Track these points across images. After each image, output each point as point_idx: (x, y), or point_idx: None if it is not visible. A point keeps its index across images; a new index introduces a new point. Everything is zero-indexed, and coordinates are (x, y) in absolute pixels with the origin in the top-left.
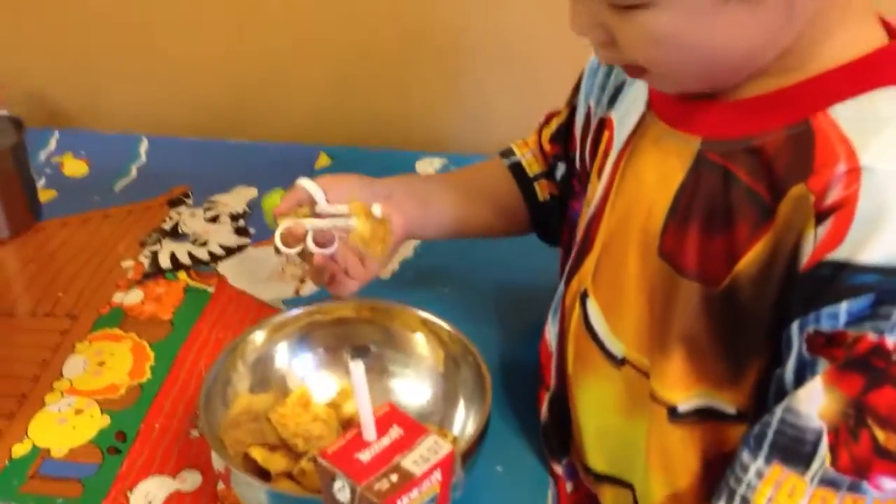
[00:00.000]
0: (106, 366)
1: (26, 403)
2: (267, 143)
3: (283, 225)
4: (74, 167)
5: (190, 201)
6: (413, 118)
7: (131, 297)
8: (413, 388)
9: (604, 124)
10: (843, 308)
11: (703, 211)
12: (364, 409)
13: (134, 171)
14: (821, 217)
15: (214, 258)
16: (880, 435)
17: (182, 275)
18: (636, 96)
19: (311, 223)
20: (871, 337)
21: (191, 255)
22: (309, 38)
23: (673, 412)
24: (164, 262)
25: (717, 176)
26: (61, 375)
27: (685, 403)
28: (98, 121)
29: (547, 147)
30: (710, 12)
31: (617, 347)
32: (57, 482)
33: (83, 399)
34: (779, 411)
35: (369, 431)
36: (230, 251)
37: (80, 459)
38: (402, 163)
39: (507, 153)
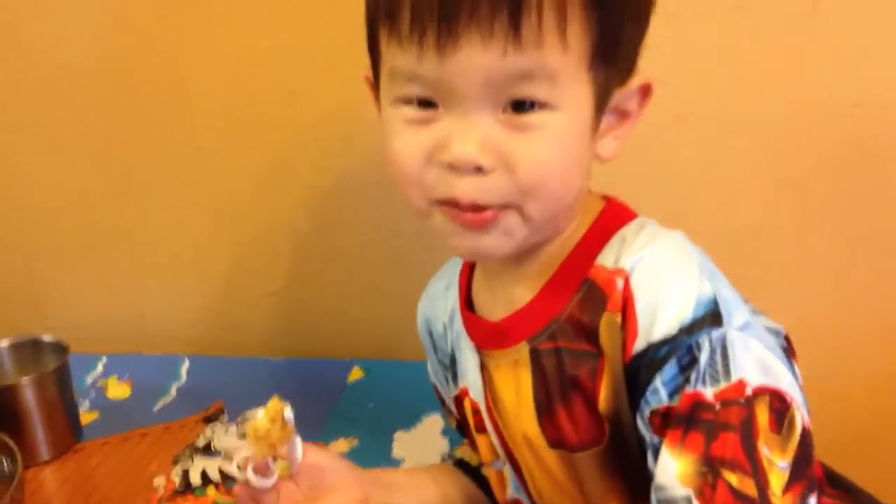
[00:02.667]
0: None
1: None
2: (300, 358)
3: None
4: (118, 390)
5: (225, 418)
6: None
7: None
8: None
9: (461, 396)
10: (659, 382)
11: (557, 391)
12: None
13: (174, 391)
14: (622, 325)
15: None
16: (733, 479)
17: (211, 490)
18: (466, 356)
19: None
20: (689, 394)
21: (220, 472)
22: (342, 246)
23: None
24: (195, 478)
25: (552, 357)
26: None
27: None
28: (142, 343)
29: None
30: (584, 139)
31: None
32: None
33: None
34: (652, 496)
35: None
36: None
37: None
38: None
39: (451, 455)
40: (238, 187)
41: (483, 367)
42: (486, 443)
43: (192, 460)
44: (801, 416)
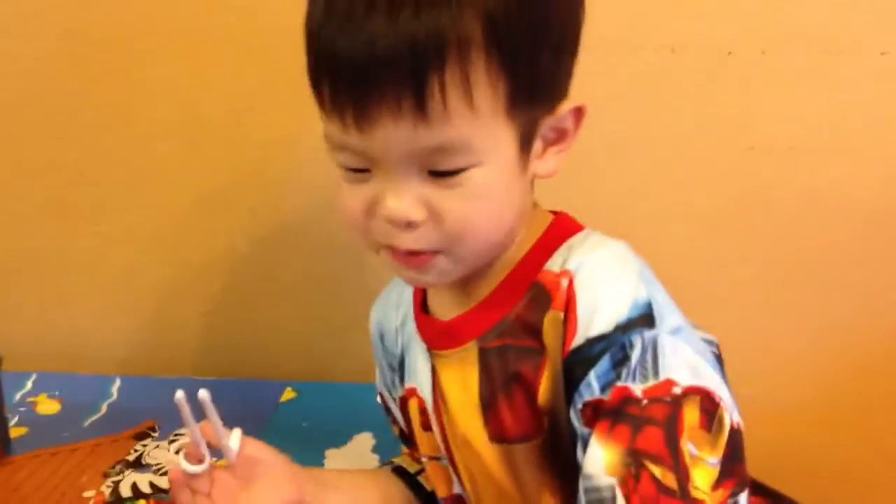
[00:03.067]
0: None
1: None
2: (233, 379)
3: None
4: (47, 406)
5: (156, 434)
6: None
7: None
8: None
9: (406, 397)
10: (592, 376)
11: (501, 386)
12: None
13: (104, 408)
14: (564, 321)
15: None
16: (657, 471)
17: (141, 502)
18: (417, 357)
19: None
20: (619, 388)
21: (152, 485)
22: (277, 273)
23: None
24: (126, 491)
25: (498, 354)
26: None
27: None
28: (76, 363)
29: (405, 449)
30: (513, 176)
31: None
32: None
33: None
34: (580, 486)
35: None
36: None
37: None
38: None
39: (390, 462)
40: (176, 208)
41: (433, 368)
42: (430, 441)
43: (123, 474)
44: (729, 416)
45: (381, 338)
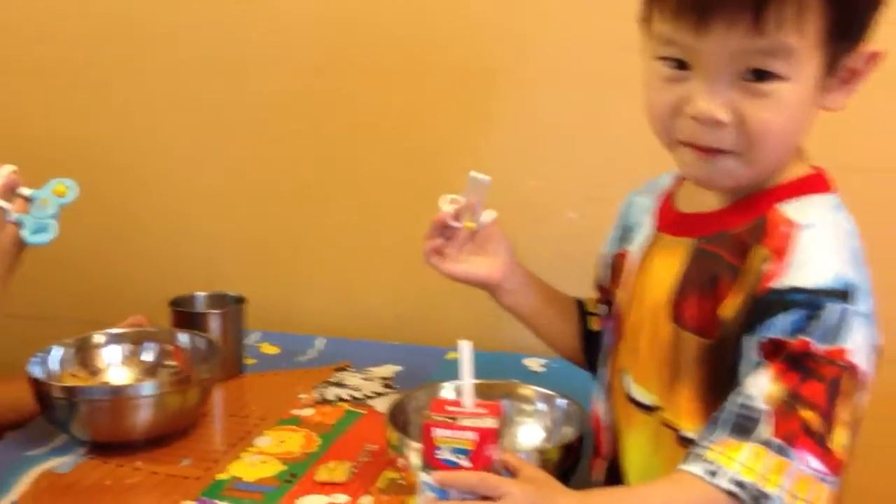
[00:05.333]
0: (285, 443)
1: (227, 456)
2: (410, 345)
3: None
4: (269, 349)
5: (351, 370)
6: None
7: (305, 412)
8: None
9: (620, 257)
10: (784, 319)
11: (698, 284)
12: (465, 380)
13: (312, 353)
14: (769, 259)
15: (367, 398)
16: (807, 415)
17: (343, 403)
18: (644, 230)
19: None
20: (804, 340)
21: (350, 395)
22: None
23: (682, 438)
24: (330, 396)
25: (708, 259)
26: (252, 445)
27: (692, 431)
28: (290, 325)
29: (595, 294)
30: (809, 101)
31: (647, 398)
32: (246, 493)
33: (267, 457)
34: (734, 398)
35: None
36: (379, 394)
37: (265, 483)
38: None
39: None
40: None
41: (653, 244)
42: (618, 296)
43: (328, 388)
44: (863, 401)
45: (629, 207)
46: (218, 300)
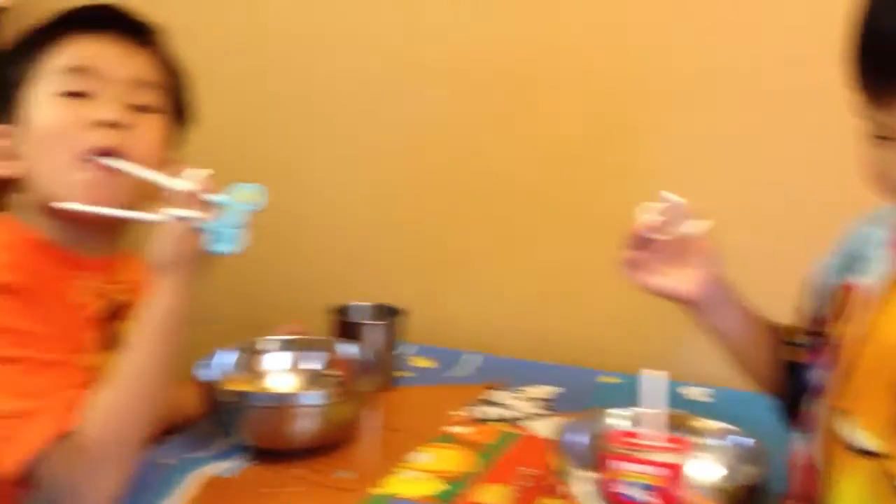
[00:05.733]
0: (441, 461)
1: (383, 470)
2: (565, 366)
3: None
4: (422, 362)
5: (505, 389)
6: None
7: (460, 430)
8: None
9: (845, 289)
10: None
11: None
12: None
13: (465, 369)
14: None
15: (523, 419)
16: None
17: (498, 423)
18: (882, 264)
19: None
20: None
21: (506, 415)
22: None
23: None
24: (485, 415)
25: None
26: (407, 461)
27: None
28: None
29: (799, 322)
30: None
31: (873, 444)
32: None
33: (424, 473)
34: None
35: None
36: (536, 416)
37: (424, 502)
38: None
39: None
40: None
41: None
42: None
43: (481, 407)
44: None
45: (856, 236)
46: (376, 311)
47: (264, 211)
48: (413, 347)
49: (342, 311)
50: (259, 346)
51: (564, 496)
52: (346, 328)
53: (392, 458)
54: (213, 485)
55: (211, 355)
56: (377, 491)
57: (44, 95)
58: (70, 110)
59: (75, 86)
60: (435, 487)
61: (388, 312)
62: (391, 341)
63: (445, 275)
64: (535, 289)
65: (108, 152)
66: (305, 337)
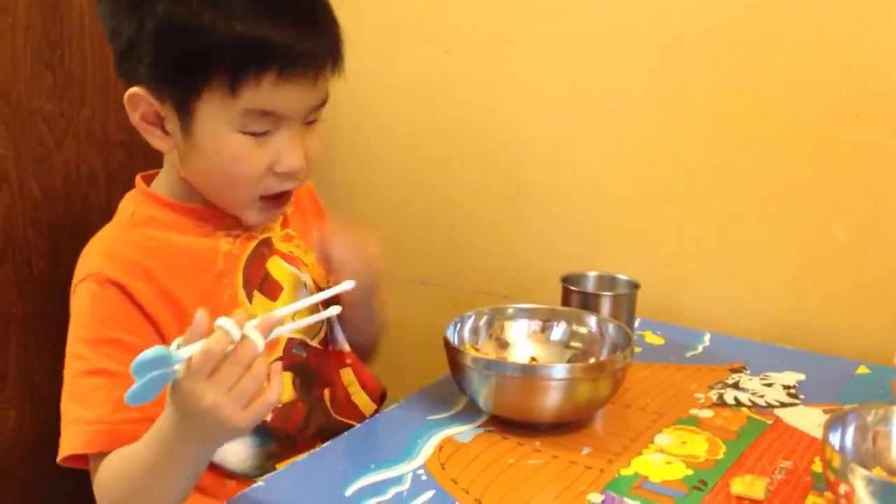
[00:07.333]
0: (687, 445)
1: (629, 450)
2: (813, 353)
3: None
4: (653, 339)
5: (748, 371)
6: None
7: (704, 413)
8: None
9: None
10: None
11: None
12: None
13: (700, 349)
14: None
15: (771, 406)
16: None
17: (745, 409)
18: None
19: None
20: None
21: (751, 401)
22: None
23: None
24: (729, 399)
25: None
26: (653, 443)
27: None
28: (673, 315)
29: None
30: None
31: None
32: (654, 495)
33: (671, 457)
34: None
35: None
36: (784, 404)
37: (672, 487)
38: None
39: None
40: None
41: None
42: None
43: (725, 390)
44: None
45: None
46: (607, 282)
47: (499, 183)
48: (639, 322)
49: (572, 280)
50: (509, 313)
51: (843, 496)
52: (580, 298)
53: (637, 438)
54: (453, 447)
55: (462, 318)
56: (624, 471)
57: (222, 126)
58: (250, 150)
59: (257, 127)
60: (682, 472)
61: (618, 284)
62: (624, 315)
63: (670, 248)
64: (773, 267)
65: (282, 194)
66: (553, 307)
